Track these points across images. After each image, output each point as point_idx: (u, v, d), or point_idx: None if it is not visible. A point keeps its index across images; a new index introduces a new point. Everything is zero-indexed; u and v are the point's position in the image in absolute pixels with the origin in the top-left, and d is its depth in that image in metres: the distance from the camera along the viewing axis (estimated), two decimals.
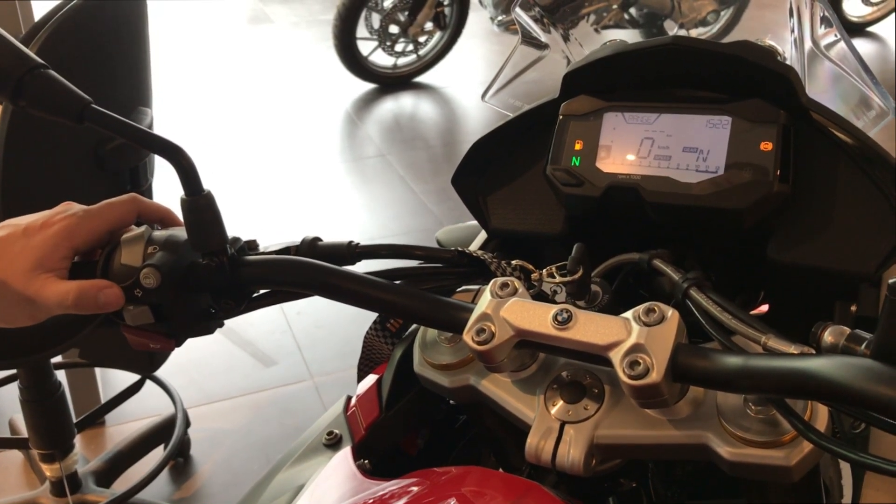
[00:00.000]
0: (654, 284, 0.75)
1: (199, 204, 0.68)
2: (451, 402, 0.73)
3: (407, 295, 0.67)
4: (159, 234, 0.71)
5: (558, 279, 0.70)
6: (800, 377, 0.52)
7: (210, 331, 0.73)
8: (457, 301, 0.66)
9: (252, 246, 0.75)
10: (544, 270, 0.72)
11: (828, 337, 0.56)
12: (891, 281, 0.49)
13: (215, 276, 0.69)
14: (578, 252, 0.70)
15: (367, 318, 0.83)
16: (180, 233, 0.71)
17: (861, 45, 4.77)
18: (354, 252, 0.75)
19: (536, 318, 0.61)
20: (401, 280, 0.74)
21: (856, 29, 4.89)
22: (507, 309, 0.62)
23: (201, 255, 0.69)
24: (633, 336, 0.57)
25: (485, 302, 0.63)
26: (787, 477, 0.59)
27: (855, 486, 0.66)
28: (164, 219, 0.74)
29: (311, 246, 0.75)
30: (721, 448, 0.59)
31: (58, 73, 0.65)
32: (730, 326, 0.62)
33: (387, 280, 0.69)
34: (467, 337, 0.62)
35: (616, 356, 0.57)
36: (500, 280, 0.64)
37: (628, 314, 0.59)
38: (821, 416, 0.58)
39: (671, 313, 0.58)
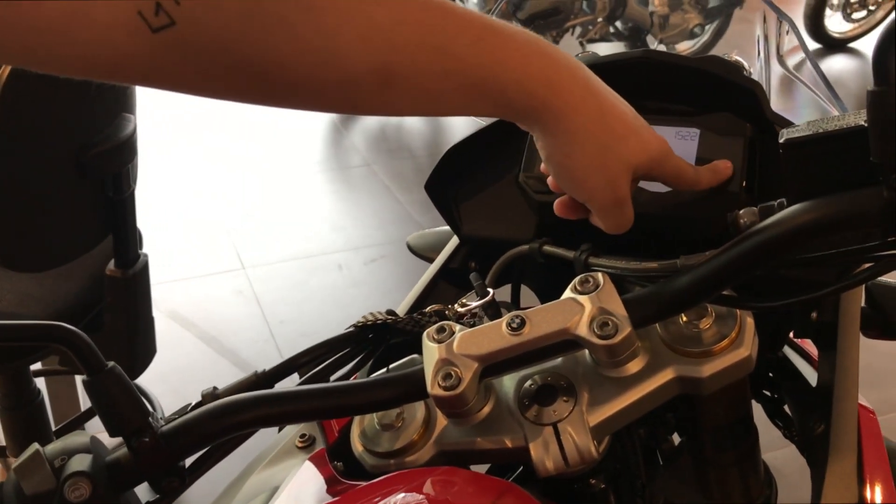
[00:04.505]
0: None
1: (108, 381, 0.61)
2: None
3: (357, 390, 0.63)
4: (53, 445, 0.63)
5: (474, 305, 0.72)
6: (746, 252, 0.56)
7: None
8: (397, 372, 0.64)
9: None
10: (455, 305, 0.73)
11: (743, 219, 0.60)
12: (783, 139, 0.55)
13: (152, 457, 0.62)
14: (479, 278, 0.76)
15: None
16: (77, 436, 0.63)
17: (842, 60, 4.83)
18: (267, 377, 0.71)
19: (492, 337, 0.60)
20: (320, 382, 0.71)
21: (837, 45, 4.93)
22: (458, 345, 0.60)
23: (125, 439, 0.61)
24: (587, 305, 0.59)
25: (432, 351, 0.61)
26: (751, 366, 0.62)
27: (814, 486, 0.67)
28: None
29: (215, 394, 0.71)
30: (693, 371, 0.62)
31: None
32: (643, 272, 0.65)
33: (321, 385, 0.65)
34: (434, 389, 0.59)
35: (582, 328, 0.58)
36: (433, 328, 0.62)
37: (566, 294, 0.60)
38: (749, 327, 0.63)
39: (601, 276, 0.60)
